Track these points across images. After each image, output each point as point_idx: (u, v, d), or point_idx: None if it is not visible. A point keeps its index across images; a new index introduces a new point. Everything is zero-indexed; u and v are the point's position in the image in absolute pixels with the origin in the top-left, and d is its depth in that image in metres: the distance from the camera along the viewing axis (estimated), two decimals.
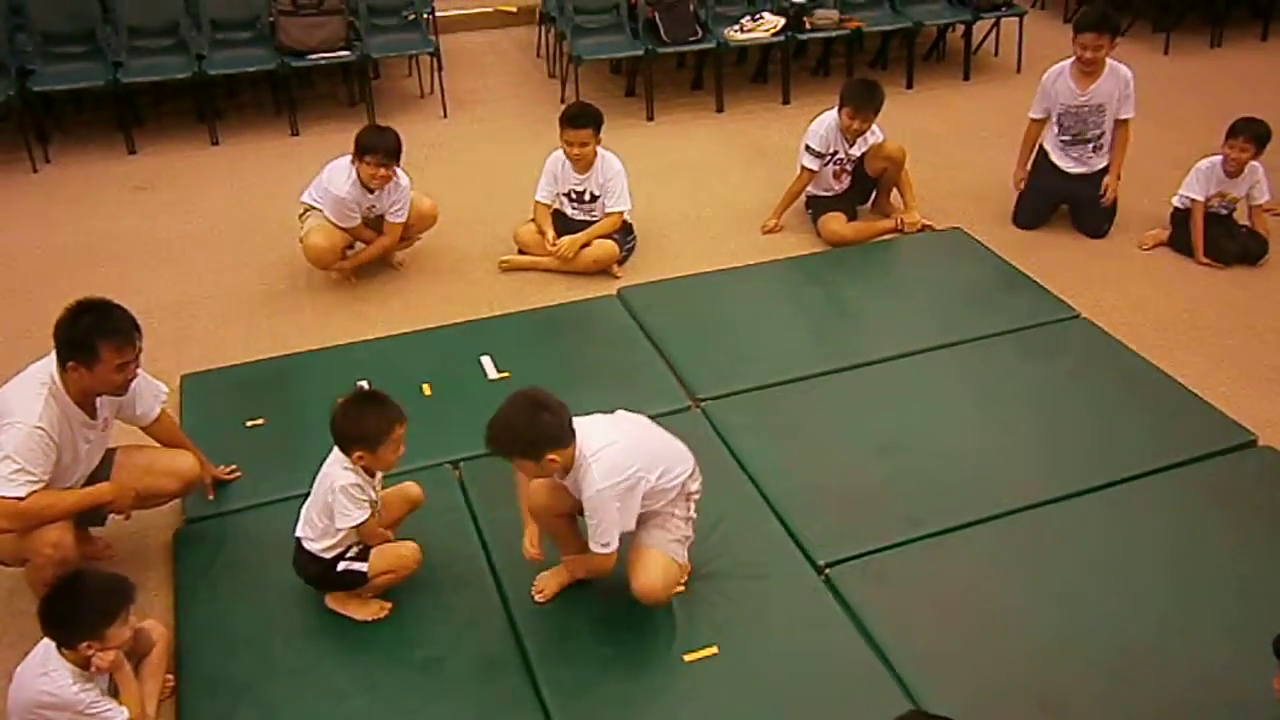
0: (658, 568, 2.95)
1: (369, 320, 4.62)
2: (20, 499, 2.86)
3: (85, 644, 2.62)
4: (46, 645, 2.65)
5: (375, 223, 4.78)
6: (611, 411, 3.05)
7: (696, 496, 3.07)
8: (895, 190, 5.35)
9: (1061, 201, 5.35)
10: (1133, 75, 5.10)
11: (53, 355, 3.02)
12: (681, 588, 3.12)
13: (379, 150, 4.50)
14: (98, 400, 3.10)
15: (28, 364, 3.11)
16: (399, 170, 4.62)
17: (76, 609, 2.60)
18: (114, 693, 2.72)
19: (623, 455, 2.83)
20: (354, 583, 3.09)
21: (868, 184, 5.38)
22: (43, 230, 5.43)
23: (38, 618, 2.64)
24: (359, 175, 4.57)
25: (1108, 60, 5.06)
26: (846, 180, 5.28)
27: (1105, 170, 5.21)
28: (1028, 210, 5.36)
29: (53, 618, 2.62)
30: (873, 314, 4.64)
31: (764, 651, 3.03)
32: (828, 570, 3.28)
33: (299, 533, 3.08)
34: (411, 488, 3.31)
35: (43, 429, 2.90)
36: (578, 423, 2.85)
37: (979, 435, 3.86)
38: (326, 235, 4.67)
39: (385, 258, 4.98)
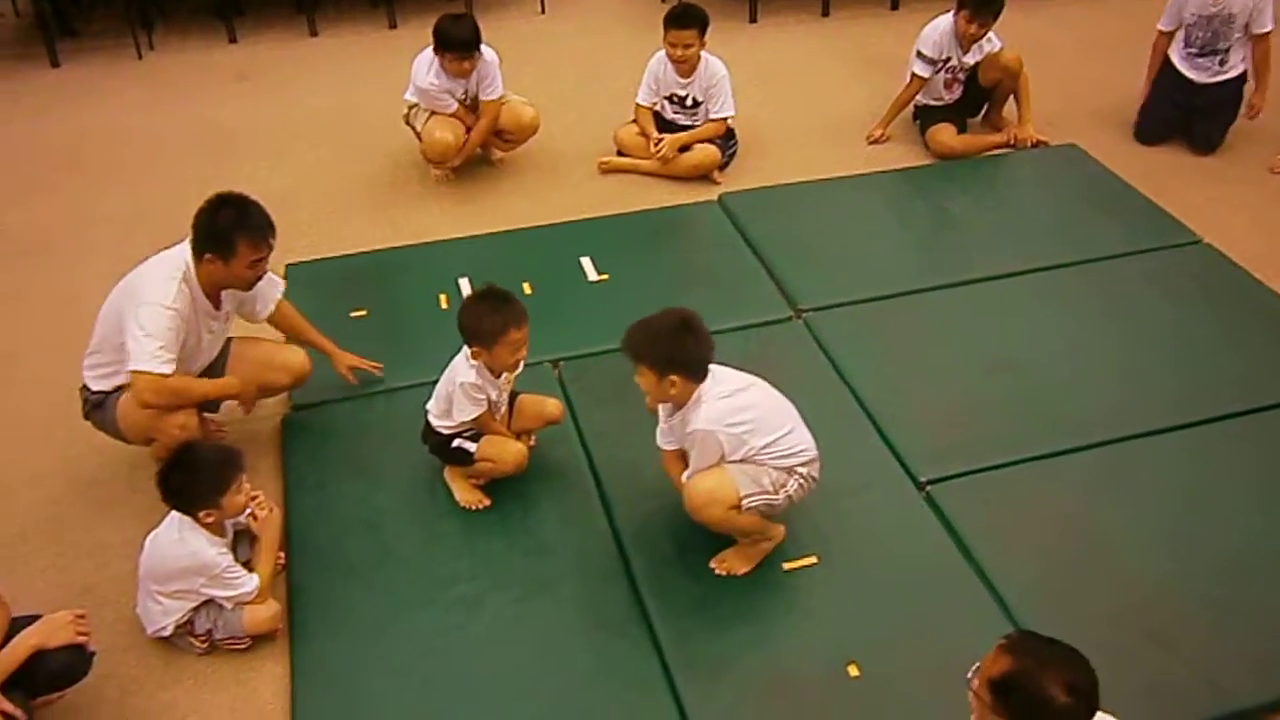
0: (711, 478, 2.80)
1: (469, 217, 4.62)
2: (167, 376, 2.94)
3: (204, 512, 2.72)
4: (179, 515, 2.75)
5: (474, 105, 4.71)
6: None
7: (802, 478, 2.86)
8: (1010, 103, 5.14)
9: (1188, 112, 5.09)
10: None
11: (187, 244, 3.06)
12: (740, 515, 2.83)
13: (455, 45, 4.44)
14: (224, 293, 3.16)
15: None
16: (484, 49, 4.54)
17: (193, 480, 2.70)
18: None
19: (736, 411, 2.75)
20: (463, 460, 3.16)
21: (980, 95, 5.17)
22: (148, 117, 5.50)
23: (158, 488, 2.75)
24: (443, 67, 4.52)
25: None
26: (958, 90, 5.08)
27: (1235, 79, 4.96)
28: (1153, 120, 5.12)
29: (171, 488, 2.72)
30: (981, 230, 4.49)
31: (863, 563, 3.03)
32: (929, 487, 3.24)
33: (428, 406, 3.17)
34: (551, 403, 3.30)
35: (175, 310, 2.96)
36: (715, 369, 2.78)
37: (1088, 359, 3.75)
38: (450, 128, 4.64)
39: (485, 155, 4.95)
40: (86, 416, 3.23)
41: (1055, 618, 2.78)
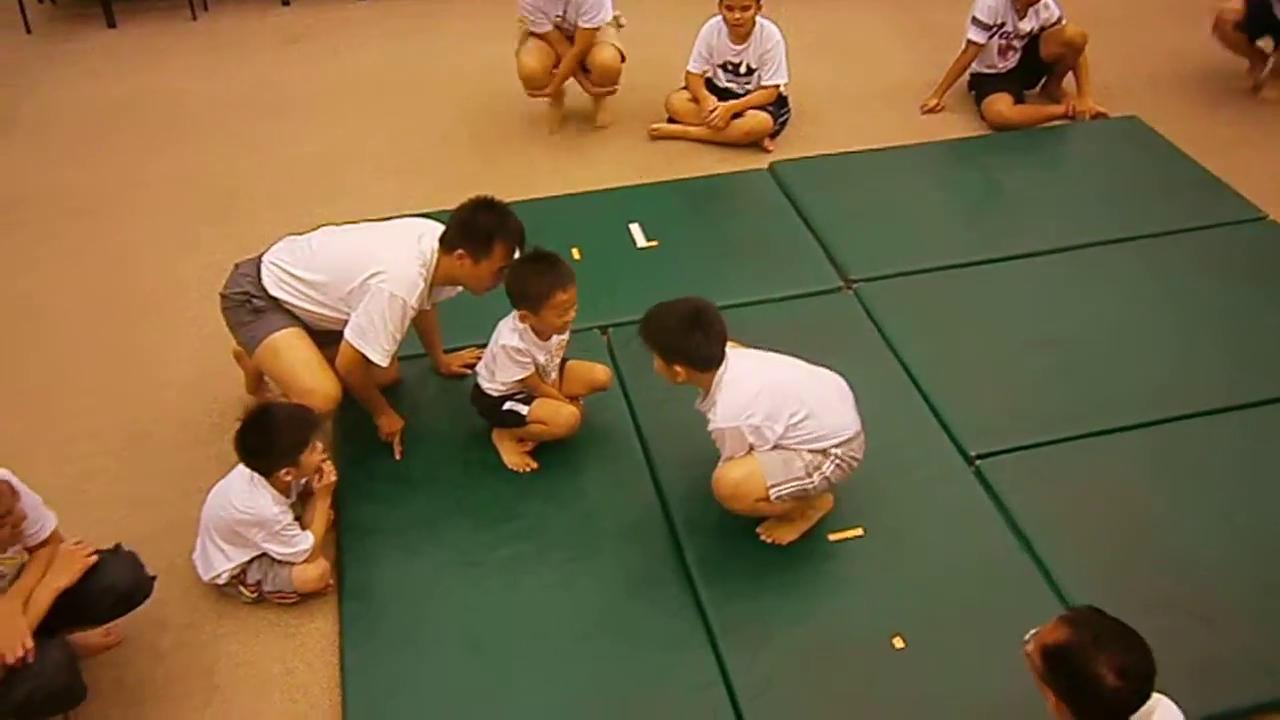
0: (739, 469, 2.79)
1: (518, 181, 4.61)
2: (379, 368, 3.04)
3: (284, 471, 2.79)
4: (249, 470, 2.81)
5: (572, 34, 4.70)
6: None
7: (839, 460, 2.81)
8: (1069, 75, 5.03)
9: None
10: None
11: (426, 236, 3.06)
12: (770, 504, 2.83)
13: None
14: (438, 290, 3.17)
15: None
16: None
17: (274, 440, 2.77)
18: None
19: (753, 402, 2.73)
20: (514, 422, 3.17)
21: (1037, 66, 5.07)
22: (201, 79, 5.54)
23: (237, 451, 2.81)
24: None
25: None
26: (1013, 58, 4.98)
27: None
28: (1254, 14, 4.97)
29: (251, 449, 2.79)
30: (1037, 203, 4.41)
31: (909, 536, 3.01)
32: (979, 461, 3.21)
33: (477, 369, 3.21)
34: (598, 369, 3.30)
35: (414, 311, 3.04)
36: (733, 354, 2.77)
37: (1143, 337, 3.68)
38: (538, 56, 4.66)
39: (592, 119, 4.95)
40: (226, 310, 3.15)
41: (1103, 595, 2.73)
